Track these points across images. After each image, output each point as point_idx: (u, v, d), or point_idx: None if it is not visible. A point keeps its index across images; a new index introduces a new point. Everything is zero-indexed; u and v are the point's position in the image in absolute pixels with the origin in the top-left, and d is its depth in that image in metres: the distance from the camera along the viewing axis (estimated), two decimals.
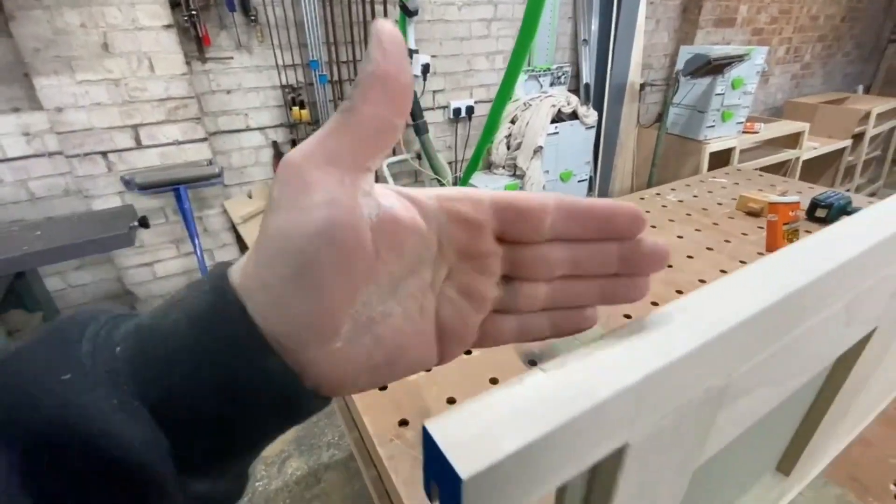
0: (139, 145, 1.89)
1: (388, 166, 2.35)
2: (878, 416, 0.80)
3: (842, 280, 0.30)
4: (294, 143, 2.17)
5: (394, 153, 2.46)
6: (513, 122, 2.71)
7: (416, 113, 2.29)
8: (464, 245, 0.21)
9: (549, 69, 2.79)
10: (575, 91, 2.94)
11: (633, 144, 3.21)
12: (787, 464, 0.55)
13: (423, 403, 0.86)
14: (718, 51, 2.35)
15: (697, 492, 0.43)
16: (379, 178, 2.40)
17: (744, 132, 2.90)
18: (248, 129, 2.15)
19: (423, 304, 0.21)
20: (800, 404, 0.49)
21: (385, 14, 2.18)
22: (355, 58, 2.18)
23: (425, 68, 2.22)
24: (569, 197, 0.21)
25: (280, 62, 2.05)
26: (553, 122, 2.62)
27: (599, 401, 0.18)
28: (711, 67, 2.30)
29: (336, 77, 2.17)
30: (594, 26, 2.79)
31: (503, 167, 2.78)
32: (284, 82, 2.09)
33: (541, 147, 2.57)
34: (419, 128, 2.32)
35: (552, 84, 2.85)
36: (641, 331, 0.22)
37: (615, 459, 0.22)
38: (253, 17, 1.93)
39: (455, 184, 2.41)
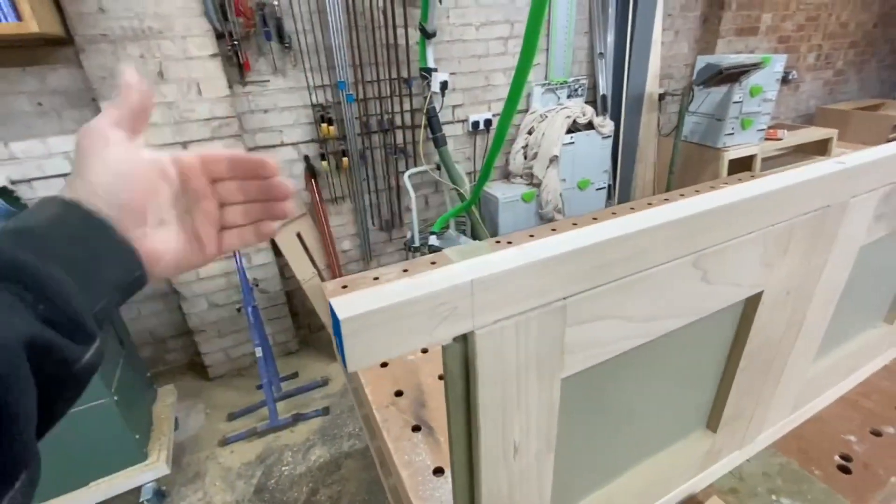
0: None
1: (408, 177, 2.51)
2: (838, 399, 0.85)
3: (677, 236, 0.40)
4: (323, 157, 2.37)
5: (414, 164, 2.62)
6: (530, 133, 2.81)
7: (435, 127, 2.44)
8: (192, 183, 0.37)
9: (565, 82, 2.89)
10: (592, 102, 3.02)
11: (654, 153, 3.24)
12: (713, 422, 0.63)
13: (417, 379, 0.98)
14: (731, 60, 2.39)
15: (628, 431, 0.53)
16: (400, 189, 2.54)
17: (766, 139, 2.89)
18: (283, 144, 2.37)
19: (183, 218, 0.37)
20: (709, 366, 0.57)
21: (406, 36, 2.36)
22: (379, 77, 2.37)
23: (443, 85, 2.37)
24: (237, 152, 0.38)
25: (311, 83, 2.26)
26: (569, 132, 2.71)
27: (434, 290, 0.29)
28: (724, 76, 2.33)
29: (362, 95, 2.36)
30: (610, 40, 2.88)
31: (521, 176, 2.88)
32: (315, 101, 2.29)
33: (556, 156, 2.66)
34: (438, 140, 2.47)
35: (569, 96, 2.95)
36: (504, 252, 0.34)
37: (464, 343, 0.33)
38: (287, 45, 2.14)
39: (469, 193, 2.52)
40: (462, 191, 2.58)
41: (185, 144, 2.07)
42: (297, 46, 2.19)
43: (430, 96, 2.38)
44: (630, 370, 0.48)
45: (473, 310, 0.32)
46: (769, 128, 2.92)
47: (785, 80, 4.13)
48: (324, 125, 2.27)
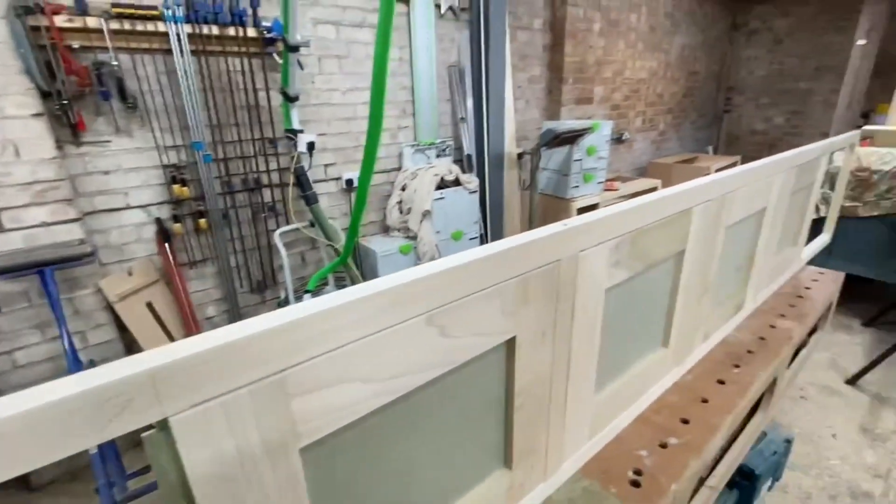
0: (1, 229, 1.83)
1: (279, 236, 2.44)
2: (636, 418, 0.97)
3: (404, 300, 0.44)
4: (177, 219, 2.20)
5: (286, 222, 2.56)
6: (403, 189, 2.94)
7: (305, 185, 2.44)
8: None
9: (433, 143, 3.11)
10: (459, 161, 3.28)
11: (518, 204, 3.58)
12: (508, 459, 0.68)
13: None
14: (566, 125, 2.80)
15: (421, 482, 0.54)
16: (272, 248, 2.45)
17: (605, 190, 3.37)
18: (129, 207, 2.16)
19: None
20: (490, 408, 0.63)
21: (269, 98, 2.37)
22: (241, 138, 2.32)
23: (310, 145, 2.40)
24: None
25: (161, 144, 2.13)
26: (439, 188, 2.89)
27: (98, 385, 0.29)
28: (562, 139, 2.72)
29: (222, 155, 2.28)
30: (469, 106, 3.20)
31: (398, 230, 2.97)
32: (167, 162, 2.16)
33: (429, 211, 2.81)
34: (309, 198, 2.46)
35: (438, 156, 3.17)
36: (206, 335, 0.34)
37: (166, 432, 0.33)
38: (131, 105, 2.02)
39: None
40: (338, 247, 2.57)
41: None
42: (144, 106, 2.07)
43: (298, 156, 2.39)
44: (400, 424, 0.51)
45: (160, 398, 0.32)
46: (608, 180, 3.42)
47: (620, 140, 4.93)
48: (176, 186, 2.14)
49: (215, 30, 2.10)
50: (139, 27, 1.93)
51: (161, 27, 1.97)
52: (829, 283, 1.66)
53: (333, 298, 0.40)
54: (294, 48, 2.07)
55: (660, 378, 1.02)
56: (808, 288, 1.61)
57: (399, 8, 2.81)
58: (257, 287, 2.61)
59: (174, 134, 2.16)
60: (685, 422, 0.96)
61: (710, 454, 0.92)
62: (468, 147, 3.25)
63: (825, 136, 5.26)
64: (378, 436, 0.49)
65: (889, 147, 3.14)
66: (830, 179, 3.26)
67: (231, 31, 2.14)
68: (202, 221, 2.24)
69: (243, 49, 2.21)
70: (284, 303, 2.48)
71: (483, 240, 3.34)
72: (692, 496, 1.03)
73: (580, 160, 3.12)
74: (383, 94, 1.49)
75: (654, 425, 0.96)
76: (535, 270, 0.58)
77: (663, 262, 0.89)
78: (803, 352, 1.64)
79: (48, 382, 0.29)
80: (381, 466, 0.51)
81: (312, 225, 2.62)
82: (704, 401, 1.02)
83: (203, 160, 2.18)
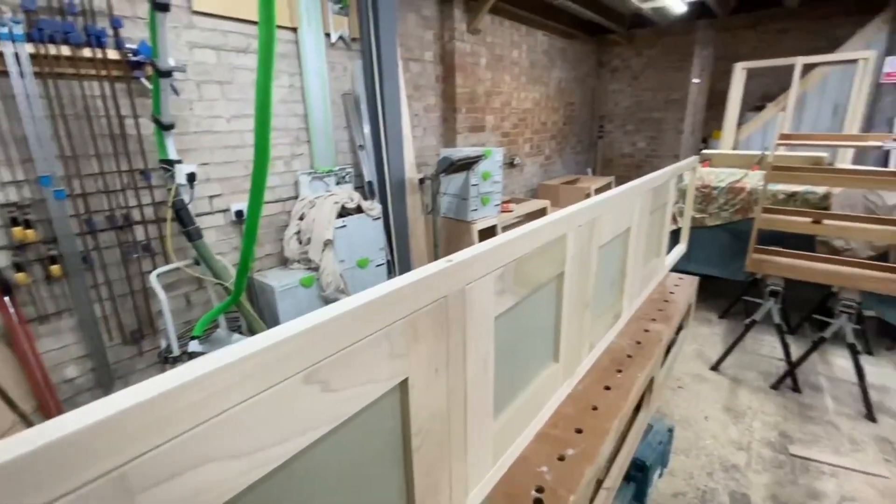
0: None
1: (156, 277, 2.17)
2: (536, 435, 1.02)
3: (270, 363, 0.41)
4: (20, 268, 1.86)
5: (165, 262, 2.30)
6: (301, 219, 2.82)
7: (186, 220, 2.22)
8: None
9: (331, 171, 3.04)
10: (361, 188, 3.25)
11: (423, 228, 3.64)
12: (412, 501, 0.66)
13: None
14: (460, 153, 2.94)
15: None
16: (148, 292, 2.18)
17: (502, 211, 3.57)
18: None
19: None
20: (388, 455, 0.61)
21: (137, 127, 2.14)
22: (104, 170, 2.05)
23: (191, 177, 2.20)
24: None
25: None
26: (340, 216, 2.82)
27: None
28: (457, 166, 2.84)
29: (80, 190, 1.99)
30: (367, 133, 3.20)
31: (298, 261, 2.83)
32: (4, 201, 1.82)
33: (330, 240, 2.72)
34: (191, 234, 2.23)
35: (338, 183, 3.11)
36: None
37: None
38: None
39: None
40: (227, 285, 2.36)
41: None
42: None
43: (176, 188, 2.17)
44: (283, 495, 0.47)
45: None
46: (504, 202, 3.63)
47: (512, 165, 5.29)
48: (17, 228, 1.81)
49: (66, 50, 1.84)
50: None
51: None
52: (688, 287, 1.92)
53: (186, 371, 0.36)
54: (165, 73, 1.90)
55: (554, 391, 1.09)
56: (671, 292, 1.84)
57: (287, 35, 2.74)
58: (132, 337, 2.28)
59: (13, 167, 1.84)
60: (579, 431, 1.03)
61: (603, 458, 0.99)
62: (368, 174, 3.23)
63: (676, 157, 6.19)
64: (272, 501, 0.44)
65: (723, 167, 3.78)
66: (683, 195, 3.82)
67: (87, 53, 1.90)
68: (55, 268, 1.91)
69: (104, 72, 1.97)
70: (167, 352, 2.20)
71: (390, 265, 3.32)
72: (592, 500, 1.10)
73: (477, 185, 3.28)
74: (269, 122, 1.43)
75: (552, 439, 1.01)
76: (422, 309, 0.58)
77: (547, 285, 0.95)
78: (674, 348, 1.87)
79: None
80: None
81: (197, 263, 2.38)
82: (595, 408, 1.11)
83: (54, 196, 1.88)
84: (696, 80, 5.21)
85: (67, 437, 0.29)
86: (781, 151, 3.60)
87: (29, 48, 1.75)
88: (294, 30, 2.75)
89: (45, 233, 1.91)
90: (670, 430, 2.02)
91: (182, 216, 2.22)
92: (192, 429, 0.36)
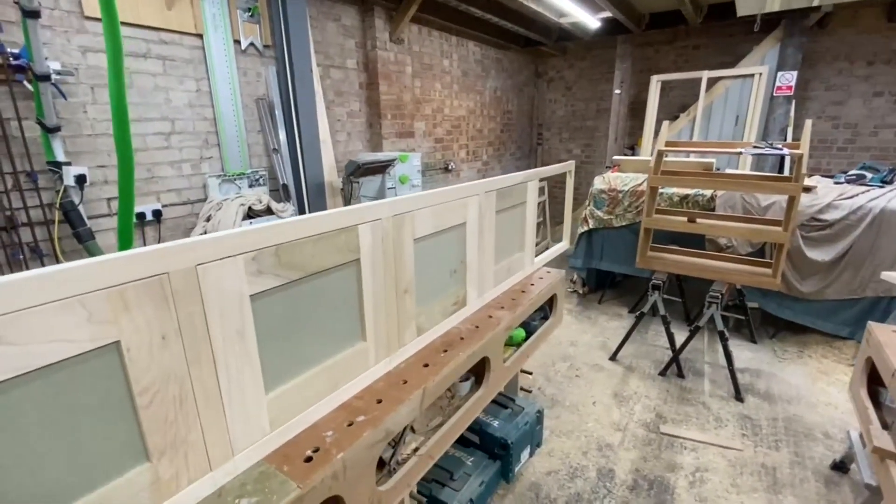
0: None
1: None
2: (339, 406, 1.13)
3: None
4: None
5: (56, 262, 2.29)
6: (208, 220, 2.86)
7: (76, 221, 2.23)
8: None
9: (243, 174, 3.10)
10: (276, 190, 3.31)
11: None
12: (147, 453, 0.76)
13: None
14: (368, 157, 3.06)
15: (24, 474, 0.57)
16: None
17: None
18: None
19: None
20: (113, 409, 0.71)
21: (21, 129, 2.14)
22: None
23: (80, 178, 2.22)
24: None
25: None
26: (248, 217, 2.88)
27: None
28: (366, 169, 2.95)
29: None
30: (282, 138, 3.27)
31: None
32: None
33: None
34: (81, 235, 2.25)
35: (251, 185, 3.16)
36: None
37: None
38: None
39: None
40: None
41: None
42: None
43: (65, 190, 2.18)
44: None
45: None
46: None
47: (447, 170, 5.46)
48: None
49: None
50: None
51: None
52: (550, 279, 2.10)
53: None
54: (44, 77, 1.93)
55: (364, 369, 1.20)
56: (532, 284, 2.01)
57: (192, 41, 2.79)
58: None
59: None
60: (379, 401, 1.15)
61: (393, 424, 1.11)
62: (284, 177, 3.30)
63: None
64: None
65: (629, 172, 4.06)
66: (593, 199, 4.08)
67: None
68: None
69: None
70: None
71: None
72: (395, 463, 1.22)
73: (394, 188, 3.40)
74: (127, 128, 1.50)
75: (350, 409, 1.12)
76: (132, 283, 0.69)
77: (336, 270, 1.07)
78: (536, 334, 2.04)
79: None
80: None
81: None
82: (405, 382, 1.24)
83: None
84: (617, 91, 5.56)
85: None
86: (676, 158, 3.92)
87: None
88: (199, 36, 2.81)
89: None
90: (539, 412, 2.19)
91: (72, 217, 2.24)
92: None
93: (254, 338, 0.89)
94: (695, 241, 3.43)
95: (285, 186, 3.29)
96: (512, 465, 1.99)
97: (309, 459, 0.95)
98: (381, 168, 3.12)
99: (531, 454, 2.18)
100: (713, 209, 3.45)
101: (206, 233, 2.89)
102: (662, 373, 3.07)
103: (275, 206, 3.00)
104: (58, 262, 2.29)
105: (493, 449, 1.96)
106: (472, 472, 1.86)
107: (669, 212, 3.34)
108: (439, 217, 1.38)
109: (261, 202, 2.93)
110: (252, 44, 3.08)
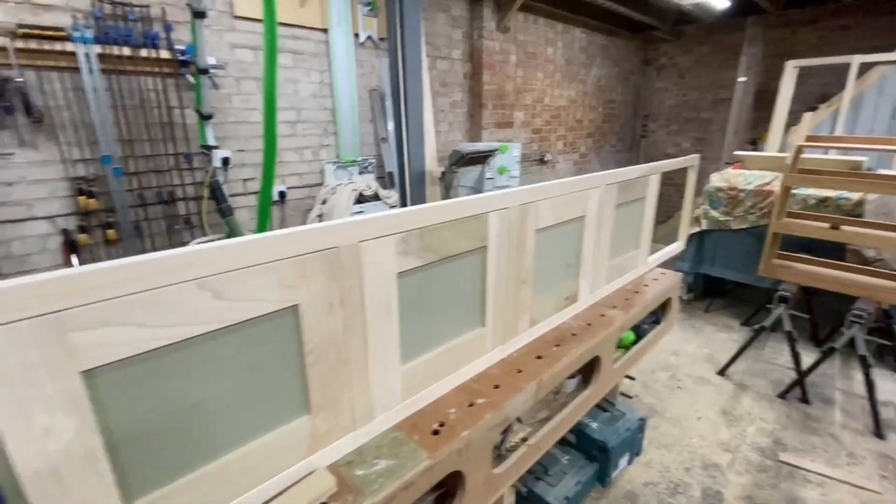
0: None
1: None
2: (457, 386, 1.17)
3: (175, 268, 0.62)
4: (84, 230, 2.25)
5: (202, 234, 2.64)
6: (324, 203, 3.10)
7: (220, 198, 2.55)
8: None
9: (355, 161, 3.30)
10: (382, 178, 3.49)
11: None
12: (308, 409, 0.85)
13: None
14: (471, 147, 3.08)
15: (216, 417, 0.70)
16: None
17: None
18: (33, 218, 2.19)
19: None
20: (285, 363, 0.80)
21: (183, 117, 2.48)
22: (154, 152, 2.41)
23: (225, 161, 2.52)
24: None
25: (69, 157, 2.19)
26: (358, 202, 3.07)
27: None
28: (468, 159, 2.99)
29: (134, 169, 2.36)
30: (390, 128, 3.42)
31: None
32: (74, 175, 2.22)
33: None
34: (224, 210, 2.56)
35: (360, 172, 3.36)
36: None
37: None
38: (37, 119, 2.07)
39: None
40: None
41: None
42: (51, 121, 2.13)
43: (213, 170, 2.50)
44: (186, 366, 0.67)
45: None
46: None
47: (542, 161, 5.33)
48: (83, 198, 2.20)
49: (127, 51, 2.20)
50: (46, 46, 2.01)
51: (70, 47, 2.06)
52: (667, 281, 1.97)
53: (110, 262, 0.57)
54: (204, 70, 2.21)
55: (481, 353, 1.23)
56: (646, 285, 1.90)
57: (317, 36, 3.01)
58: None
59: (82, 148, 2.23)
60: (497, 387, 1.17)
61: (511, 410, 1.13)
62: (389, 165, 3.46)
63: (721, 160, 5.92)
64: (167, 372, 0.65)
65: (754, 170, 3.65)
66: (708, 197, 3.73)
67: (143, 53, 2.25)
68: (110, 232, 2.30)
69: (157, 69, 2.33)
70: None
71: None
72: (504, 450, 1.24)
73: (492, 178, 3.41)
74: (274, 116, 1.67)
75: (469, 390, 1.16)
76: (312, 254, 0.77)
77: (466, 255, 1.10)
78: (645, 338, 1.93)
79: None
80: (174, 400, 0.67)
81: (229, 237, 2.71)
82: (519, 371, 1.24)
83: (113, 173, 2.25)
84: (741, 79, 4.99)
85: (27, 284, 0.51)
86: (812, 155, 3.43)
87: (97, 49, 2.11)
88: (325, 31, 3.02)
89: (105, 203, 2.29)
90: (642, 420, 2.08)
91: (217, 194, 2.55)
92: (110, 299, 0.57)
93: (396, 312, 0.95)
94: (830, 251, 3.00)
95: (391, 174, 3.44)
96: (609, 470, 1.92)
97: (436, 433, 1.00)
98: (483, 158, 3.14)
99: (629, 462, 2.08)
100: (859, 215, 2.98)
101: (321, 215, 3.15)
102: (782, 395, 2.75)
103: (382, 192, 3.16)
104: (204, 234, 2.64)
105: (591, 451, 1.90)
106: (567, 470, 1.83)
107: (803, 216, 2.95)
108: (560, 209, 1.36)
109: (370, 188, 3.10)
110: (369, 37, 3.25)
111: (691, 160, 2.25)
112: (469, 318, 1.19)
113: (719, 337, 3.55)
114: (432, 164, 3.68)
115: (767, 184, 3.40)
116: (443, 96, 3.96)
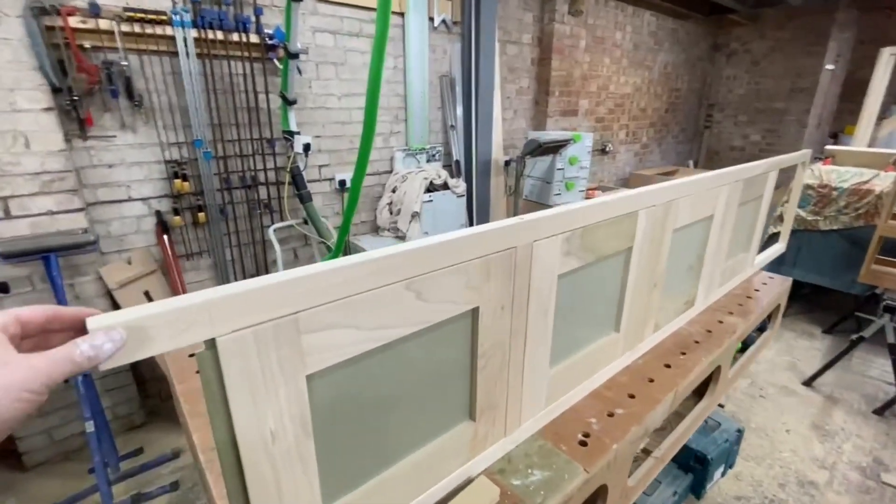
0: (8, 215, 1.92)
1: (273, 231, 2.55)
2: (589, 394, 1.12)
3: (387, 269, 0.58)
4: (177, 213, 2.31)
5: (280, 219, 2.68)
6: (394, 191, 3.08)
7: (300, 184, 2.56)
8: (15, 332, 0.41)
9: (423, 148, 3.25)
10: (448, 166, 3.43)
11: (504, 209, 3.74)
12: (472, 413, 0.81)
13: None
14: (548, 136, 2.97)
15: (396, 422, 0.67)
16: (266, 243, 2.56)
17: (586, 198, 3.54)
18: (130, 199, 2.26)
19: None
20: (458, 366, 0.76)
21: (268, 101, 2.49)
22: (240, 137, 2.44)
23: (306, 147, 2.53)
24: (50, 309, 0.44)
25: (164, 140, 2.24)
26: (428, 191, 3.03)
27: (170, 309, 0.42)
28: (544, 149, 2.88)
29: (222, 153, 2.40)
30: (459, 114, 3.35)
31: (388, 230, 3.10)
32: (168, 158, 2.27)
33: (417, 213, 2.94)
34: (303, 196, 2.58)
35: (428, 160, 3.31)
36: (247, 281, 0.48)
37: (214, 349, 0.46)
38: (137, 103, 2.13)
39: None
40: (329, 244, 2.69)
41: (4, 199, 1.89)
42: (149, 104, 2.18)
43: (294, 156, 2.51)
44: (384, 367, 0.64)
45: (212, 323, 0.45)
46: (589, 189, 3.59)
47: (604, 152, 5.13)
48: (177, 181, 2.25)
49: (220, 35, 2.22)
50: (148, 30, 2.05)
51: (169, 31, 2.09)
52: (777, 287, 1.83)
53: (335, 263, 0.54)
54: (294, 55, 2.20)
55: (612, 359, 1.17)
56: (757, 290, 1.78)
57: (394, 20, 2.96)
58: None
59: (177, 131, 2.27)
60: (632, 397, 1.11)
61: (651, 423, 1.07)
62: (457, 153, 3.40)
63: None
64: (367, 375, 0.62)
65: (848, 166, 3.37)
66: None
67: (235, 37, 2.26)
68: (201, 215, 2.35)
69: (246, 54, 2.34)
70: None
71: None
72: (637, 464, 1.18)
73: (562, 169, 3.29)
74: (377, 101, 1.63)
75: (604, 399, 1.10)
76: (494, 254, 0.72)
77: (613, 257, 1.03)
78: (752, 347, 1.81)
79: (148, 305, 0.42)
80: (369, 402, 0.64)
81: (306, 222, 2.74)
82: (651, 380, 1.17)
83: (203, 157, 2.29)
84: (829, 67, 4.60)
85: (270, 286, 0.48)
86: None
87: (193, 33, 2.14)
88: (402, 14, 2.96)
89: (195, 186, 2.34)
90: (739, 432, 1.96)
91: (297, 181, 2.57)
92: (339, 300, 0.54)
93: (552, 315, 0.90)
94: None
95: (458, 162, 3.38)
96: (705, 482, 1.83)
97: (583, 444, 0.95)
98: (557, 148, 3.02)
99: (723, 474, 1.98)
100: None
101: (391, 203, 3.13)
102: (879, 412, 2.56)
103: (451, 181, 3.11)
104: (282, 219, 2.67)
105: (688, 461, 1.82)
106: (662, 479, 1.75)
107: None
108: (696, 207, 1.26)
109: (440, 177, 3.06)
110: (443, 20, 3.17)
111: (803, 155, 2.08)
112: (606, 322, 1.12)
113: (800, 344, 3.34)
114: (498, 153, 3.59)
115: (867, 182, 3.13)
116: (510, 83, 3.84)
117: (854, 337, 2.63)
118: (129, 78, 2.07)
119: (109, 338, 0.40)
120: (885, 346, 2.62)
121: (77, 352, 0.39)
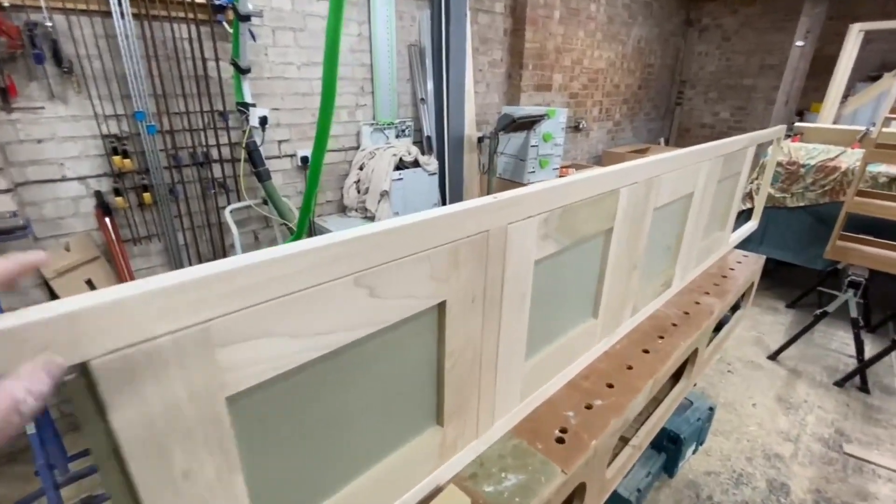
0: None
1: (230, 213, 2.37)
2: (566, 384, 1.05)
3: (330, 260, 0.47)
4: (119, 193, 2.10)
5: (238, 199, 2.49)
6: (361, 168, 2.92)
7: (257, 161, 2.38)
8: None
9: (392, 123, 3.09)
10: (419, 143, 3.28)
11: (478, 188, 3.63)
12: (440, 417, 0.73)
13: None
14: (522, 111, 2.86)
15: (354, 435, 0.57)
16: (223, 225, 2.38)
17: (560, 176, 3.47)
18: (65, 178, 2.04)
19: None
20: (422, 368, 0.67)
21: (218, 69, 2.28)
22: (188, 109, 2.23)
23: (263, 120, 2.34)
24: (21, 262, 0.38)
25: (100, 112, 2.02)
26: (397, 168, 2.89)
27: (11, 326, 0.30)
28: (518, 124, 2.78)
29: (168, 127, 2.18)
30: (430, 87, 3.19)
31: (356, 210, 2.95)
32: (106, 132, 2.05)
33: (386, 191, 2.81)
34: (261, 174, 2.40)
35: (397, 136, 3.16)
36: (129, 284, 0.36)
37: (87, 376, 0.34)
38: (67, 69, 1.89)
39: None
40: (291, 225, 2.53)
41: None
42: (80, 71, 1.94)
43: (250, 130, 2.32)
44: (332, 379, 0.54)
45: (78, 342, 0.33)
46: (563, 167, 3.52)
47: (577, 129, 5.07)
48: (117, 157, 2.04)
49: None
50: None
51: None
52: (751, 265, 1.81)
53: (257, 255, 0.42)
54: (245, 17, 1.99)
55: (590, 347, 1.10)
56: (732, 269, 1.75)
57: None
58: None
59: (114, 102, 2.05)
60: (610, 386, 1.05)
61: (631, 413, 1.01)
62: (428, 128, 3.25)
63: None
64: (310, 389, 0.52)
65: (816, 143, 3.41)
66: (761, 171, 3.51)
67: None
68: (146, 196, 2.15)
69: (190, 15, 2.11)
70: None
71: None
72: (615, 454, 1.13)
73: (536, 146, 3.20)
74: (335, 68, 1.48)
75: (582, 390, 1.04)
76: (464, 239, 0.62)
77: (593, 238, 0.95)
78: (726, 327, 1.80)
79: None
80: (315, 418, 0.54)
81: (265, 202, 2.57)
82: (629, 367, 1.12)
83: (147, 131, 2.08)
84: (799, 43, 4.63)
85: (169, 288, 0.37)
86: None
87: None
88: None
89: (139, 164, 2.13)
90: (711, 409, 1.98)
91: (254, 157, 2.38)
92: (264, 303, 0.42)
93: (528, 306, 0.81)
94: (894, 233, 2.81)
95: (429, 138, 3.24)
96: (677, 461, 1.83)
97: (560, 441, 0.88)
98: (531, 123, 2.92)
99: (694, 451, 2.00)
100: None
101: (358, 181, 2.97)
102: (840, 383, 2.65)
103: (422, 158, 2.97)
104: (239, 199, 2.49)
105: (662, 441, 1.81)
106: (636, 461, 1.74)
107: (874, 194, 2.75)
108: (677, 184, 1.20)
109: (410, 154, 2.92)
110: None
111: (778, 131, 2.05)
112: (584, 308, 1.05)
113: (765, 319, 3.42)
114: (471, 129, 3.46)
115: (833, 159, 3.17)
116: (482, 54, 3.69)
117: (818, 312, 2.70)
118: (55, 41, 1.83)
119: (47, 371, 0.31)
120: (844, 320, 2.70)
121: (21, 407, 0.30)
